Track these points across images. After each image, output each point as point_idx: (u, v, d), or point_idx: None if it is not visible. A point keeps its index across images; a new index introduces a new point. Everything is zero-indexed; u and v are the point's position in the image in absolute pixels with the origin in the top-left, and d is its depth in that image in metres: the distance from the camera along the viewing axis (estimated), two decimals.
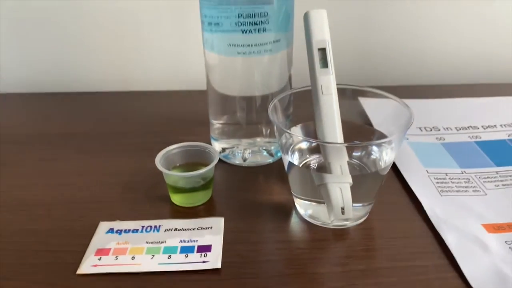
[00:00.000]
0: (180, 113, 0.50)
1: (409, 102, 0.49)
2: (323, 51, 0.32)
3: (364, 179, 0.32)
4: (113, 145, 0.45)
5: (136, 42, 0.57)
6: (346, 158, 0.31)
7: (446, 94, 0.52)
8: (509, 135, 0.44)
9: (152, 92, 0.57)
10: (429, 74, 0.59)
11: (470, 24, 0.57)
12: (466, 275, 0.28)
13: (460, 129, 0.45)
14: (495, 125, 0.46)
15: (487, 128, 0.45)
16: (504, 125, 0.46)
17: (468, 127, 0.46)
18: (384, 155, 0.32)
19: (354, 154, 0.33)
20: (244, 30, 0.35)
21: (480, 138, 0.44)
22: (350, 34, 0.57)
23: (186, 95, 0.55)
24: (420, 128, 0.45)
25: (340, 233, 0.33)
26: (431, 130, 0.45)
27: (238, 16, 0.35)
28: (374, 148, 0.33)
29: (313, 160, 0.35)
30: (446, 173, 0.38)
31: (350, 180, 0.31)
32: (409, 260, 0.30)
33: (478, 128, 0.45)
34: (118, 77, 0.59)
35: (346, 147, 0.31)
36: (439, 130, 0.45)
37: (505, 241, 0.31)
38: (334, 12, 0.45)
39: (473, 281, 0.28)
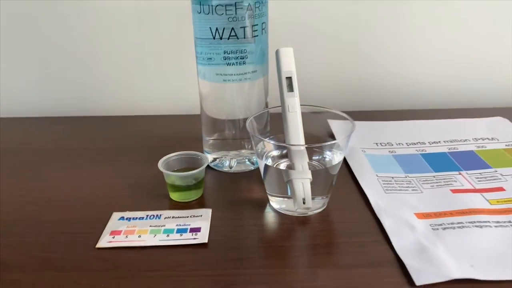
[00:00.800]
0: (178, 133, 0.59)
1: (370, 123, 0.60)
2: (289, 79, 0.42)
3: (320, 176, 0.42)
4: (122, 157, 0.54)
5: (143, 74, 0.68)
6: (307, 159, 0.41)
7: (402, 117, 0.62)
8: (449, 149, 0.53)
9: (155, 116, 0.67)
10: (389, 101, 0.69)
11: (421, 62, 0.67)
12: (395, 247, 0.37)
13: (410, 144, 0.55)
14: (439, 141, 0.55)
15: (432, 143, 0.55)
16: (446, 141, 0.55)
17: (416, 142, 0.55)
18: (335, 157, 0.42)
19: (313, 157, 0.43)
20: (229, 63, 0.45)
21: (425, 151, 0.53)
22: (330, 69, 0.68)
23: (183, 118, 0.65)
24: (376, 143, 0.55)
25: (302, 220, 0.42)
26: (385, 145, 0.55)
27: (224, 53, 0.45)
28: (328, 152, 0.42)
29: (282, 164, 0.44)
30: (392, 177, 0.48)
31: (310, 176, 0.40)
32: (354, 238, 0.39)
33: (425, 144, 0.55)
34: (126, 103, 0.69)
35: (307, 149, 0.41)
36: (392, 145, 0.54)
37: (430, 224, 0.40)
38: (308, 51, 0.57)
39: (399, 250, 0.37)
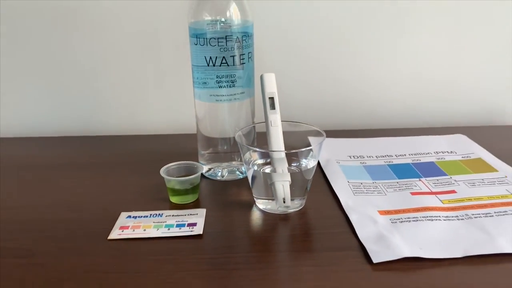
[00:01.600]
0: (177, 149, 0.66)
1: (346, 139, 0.68)
2: (272, 99, 0.50)
3: (297, 179, 0.49)
4: (128, 170, 0.61)
5: (144, 98, 0.76)
6: (286, 165, 0.48)
7: (374, 135, 0.70)
8: (413, 160, 0.61)
9: (156, 135, 0.74)
10: (363, 121, 0.78)
11: (392, 87, 0.76)
12: (359, 235, 0.44)
13: (379, 157, 0.63)
14: (405, 154, 0.63)
15: (399, 156, 0.63)
16: (411, 154, 0.63)
17: (385, 155, 0.63)
18: (309, 163, 0.50)
19: (292, 164, 0.50)
20: (220, 85, 0.53)
21: (392, 162, 0.61)
22: (308, 93, 0.76)
23: (181, 137, 0.72)
24: (350, 156, 0.63)
25: (283, 217, 0.49)
26: (358, 157, 0.62)
27: (217, 77, 0.53)
28: (304, 159, 0.50)
29: (266, 169, 0.51)
30: (361, 183, 0.55)
31: (289, 178, 0.48)
32: (325, 229, 0.46)
33: (392, 156, 0.63)
34: (129, 124, 0.77)
35: (286, 156, 0.48)
36: (364, 157, 0.62)
37: (390, 219, 0.47)
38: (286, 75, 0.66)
39: (362, 238, 0.44)
